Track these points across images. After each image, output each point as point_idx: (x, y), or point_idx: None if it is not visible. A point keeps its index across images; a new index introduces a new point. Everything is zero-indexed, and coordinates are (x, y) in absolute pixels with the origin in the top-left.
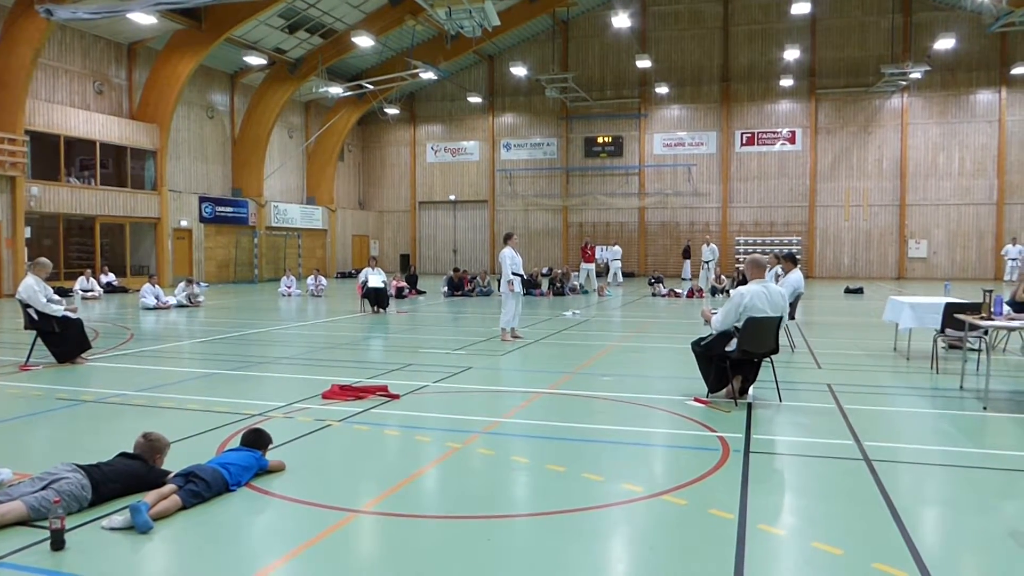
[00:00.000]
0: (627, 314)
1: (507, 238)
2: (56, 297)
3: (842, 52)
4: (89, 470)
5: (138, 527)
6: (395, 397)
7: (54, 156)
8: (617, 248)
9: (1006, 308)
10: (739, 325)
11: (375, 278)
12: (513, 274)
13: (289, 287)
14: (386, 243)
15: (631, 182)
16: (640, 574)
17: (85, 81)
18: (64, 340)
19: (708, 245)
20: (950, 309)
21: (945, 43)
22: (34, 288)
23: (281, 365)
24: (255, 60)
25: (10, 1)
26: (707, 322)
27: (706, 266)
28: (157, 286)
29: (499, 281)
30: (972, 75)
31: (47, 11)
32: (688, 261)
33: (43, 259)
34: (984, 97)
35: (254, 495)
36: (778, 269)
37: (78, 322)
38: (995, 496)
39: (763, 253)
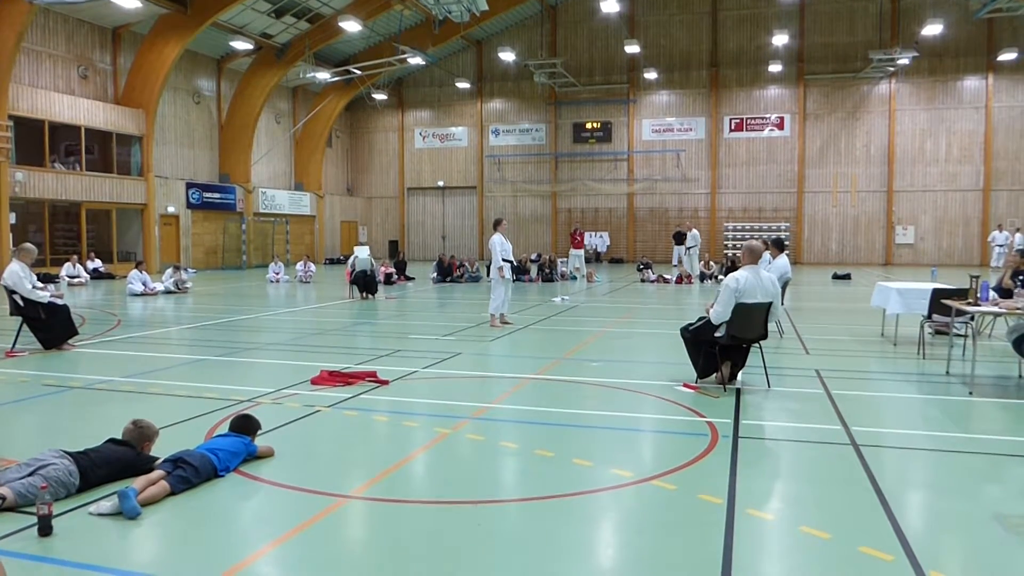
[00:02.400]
0: (616, 300)
1: (497, 224)
2: (40, 284)
3: (830, 38)
4: (77, 456)
5: (126, 513)
6: (384, 383)
7: (39, 141)
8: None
9: (992, 294)
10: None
11: (363, 256)
12: (503, 260)
13: (277, 273)
14: (375, 229)
15: (620, 168)
16: (629, 558)
17: (69, 66)
18: (50, 326)
19: (690, 231)
20: (937, 295)
21: (932, 29)
22: (19, 274)
23: (270, 351)
24: (241, 45)
25: None
26: None
27: (688, 252)
28: (144, 272)
29: (488, 267)
30: (959, 61)
31: None
32: (680, 247)
33: (28, 244)
34: (971, 83)
35: (243, 481)
36: (766, 255)
37: (64, 308)
38: (980, 480)
39: (752, 239)
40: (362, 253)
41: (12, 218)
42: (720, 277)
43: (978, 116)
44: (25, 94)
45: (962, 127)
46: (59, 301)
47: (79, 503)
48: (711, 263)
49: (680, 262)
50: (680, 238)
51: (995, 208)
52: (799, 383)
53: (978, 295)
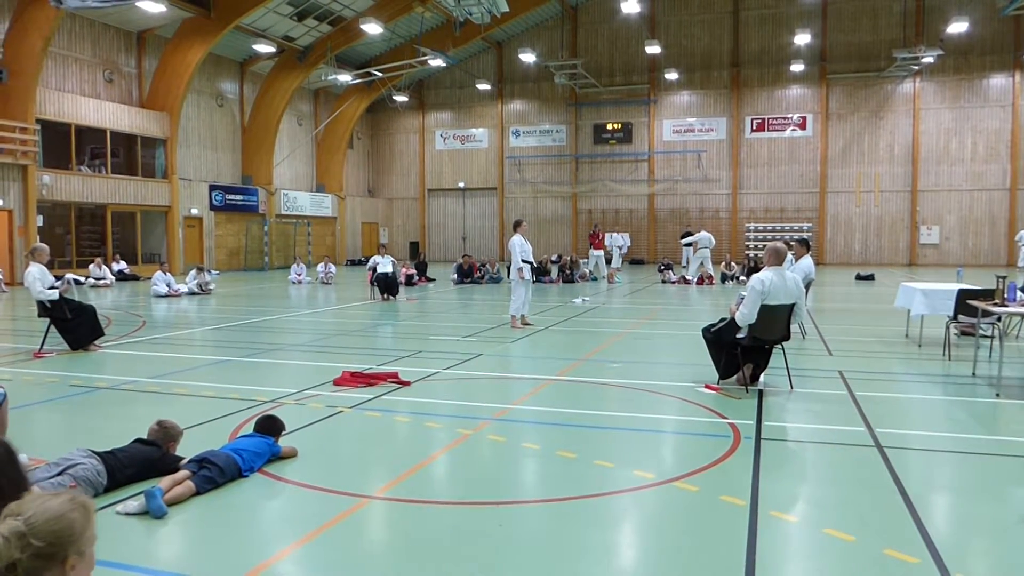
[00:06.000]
0: (637, 301)
1: (517, 225)
2: (59, 284)
3: (853, 36)
4: (104, 456)
5: (153, 512)
6: (406, 384)
7: (65, 145)
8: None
9: (1020, 294)
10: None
11: (384, 263)
12: (523, 261)
13: (299, 275)
14: (395, 231)
15: (640, 169)
16: (651, 560)
17: (95, 70)
18: (77, 327)
19: (699, 232)
20: (963, 295)
21: (958, 27)
22: (35, 276)
23: (292, 352)
24: (264, 48)
25: None
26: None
27: (695, 253)
28: (168, 274)
29: (509, 268)
30: (985, 59)
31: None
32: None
33: (40, 244)
34: (997, 81)
35: (267, 481)
36: (789, 255)
37: (91, 310)
38: (1007, 483)
39: (773, 239)
40: (385, 266)
41: (39, 220)
42: (742, 278)
43: (1004, 114)
44: (52, 98)
45: (988, 126)
46: (62, 288)
47: (107, 502)
48: (732, 264)
49: (688, 262)
50: (686, 237)
51: (1021, 207)
52: (822, 384)
53: (1005, 296)
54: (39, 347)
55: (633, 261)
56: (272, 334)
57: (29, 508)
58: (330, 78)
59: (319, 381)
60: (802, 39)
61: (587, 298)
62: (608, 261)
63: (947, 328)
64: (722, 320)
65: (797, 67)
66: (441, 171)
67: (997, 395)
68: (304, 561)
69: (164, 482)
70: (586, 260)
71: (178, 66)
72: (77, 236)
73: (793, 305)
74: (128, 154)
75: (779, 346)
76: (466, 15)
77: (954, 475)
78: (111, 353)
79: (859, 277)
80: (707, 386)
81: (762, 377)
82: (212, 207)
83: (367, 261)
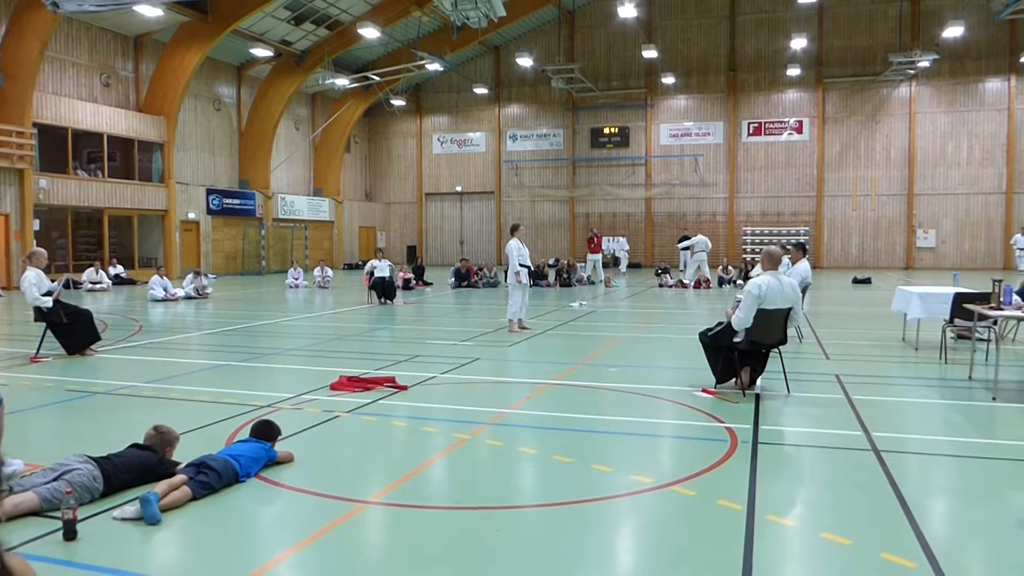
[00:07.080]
0: (634, 305)
1: (514, 229)
2: (54, 286)
3: (850, 41)
4: (100, 461)
5: (147, 518)
6: (403, 388)
7: (62, 149)
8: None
9: (1015, 298)
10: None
11: (382, 268)
12: (520, 265)
13: (296, 279)
14: (393, 234)
15: (638, 173)
16: (649, 564)
17: (92, 74)
18: (73, 332)
19: (695, 236)
20: (959, 299)
21: (954, 31)
22: (31, 281)
23: (289, 356)
24: (261, 52)
25: None
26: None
27: (693, 256)
28: (165, 278)
29: (506, 272)
30: (981, 63)
31: (53, 3)
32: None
33: (38, 249)
34: (993, 85)
35: (264, 486)
36: (786, 259)
37: (87, 314)
38: (1004, 486)
39: (770, 243)
40: (382, 270)
41: (36, 224)
42: (739, 282)
43: (1000, 118)
44: (49, 102)
45: (984, 129)
46: (55, 290)
47: (103, 508)
48: (729, 268)
49: (686, 266)
50: (683, 241)
51: (1018, 211)
52: (819, 388)
53: (1001, 299)
54: (35, 351)
55: (630, 265)
56: (269, 338)
57: None
58: (327, 82)
59: (316, 385)
60: (798, 43)
61: (584, 302)
62: (608, 265)
63: (943, 332)
64: (719, 324)
65: (793, 71)
66: (438, 175)
67: (993, 398)
68: (301, 566)
69: (160, 487)
70: (583, 264)
71: (175, 70)
72: (74, 240)
73: (790, 309)
74: (125, 158)
75: (776, 350)
76: (463, 19)
77: (951, 479)
78: (107, 358)
79: (856, 281)
80: (704, 390)
81: (759, 381)
82: (209, 211)
83: (364, 265)
